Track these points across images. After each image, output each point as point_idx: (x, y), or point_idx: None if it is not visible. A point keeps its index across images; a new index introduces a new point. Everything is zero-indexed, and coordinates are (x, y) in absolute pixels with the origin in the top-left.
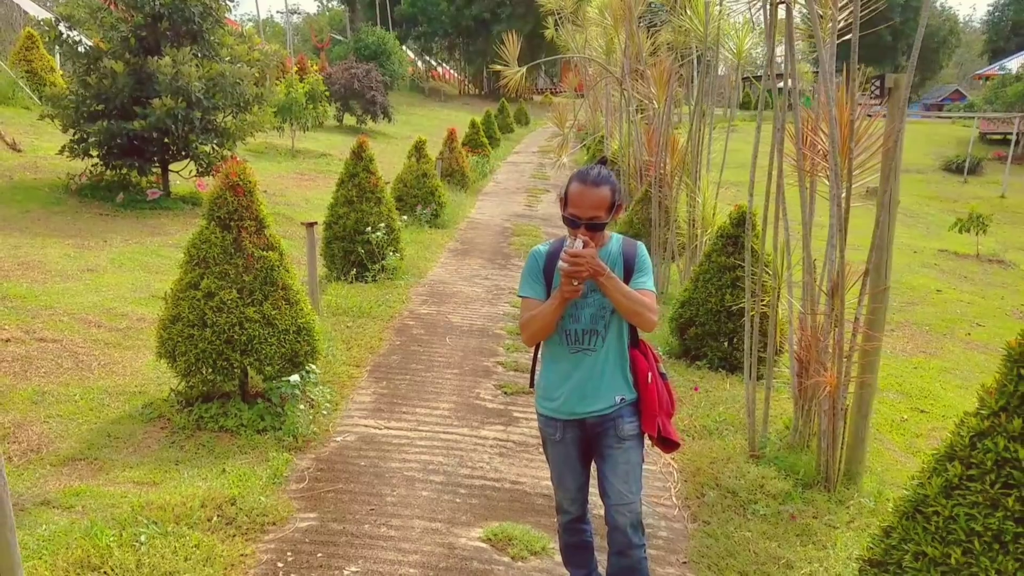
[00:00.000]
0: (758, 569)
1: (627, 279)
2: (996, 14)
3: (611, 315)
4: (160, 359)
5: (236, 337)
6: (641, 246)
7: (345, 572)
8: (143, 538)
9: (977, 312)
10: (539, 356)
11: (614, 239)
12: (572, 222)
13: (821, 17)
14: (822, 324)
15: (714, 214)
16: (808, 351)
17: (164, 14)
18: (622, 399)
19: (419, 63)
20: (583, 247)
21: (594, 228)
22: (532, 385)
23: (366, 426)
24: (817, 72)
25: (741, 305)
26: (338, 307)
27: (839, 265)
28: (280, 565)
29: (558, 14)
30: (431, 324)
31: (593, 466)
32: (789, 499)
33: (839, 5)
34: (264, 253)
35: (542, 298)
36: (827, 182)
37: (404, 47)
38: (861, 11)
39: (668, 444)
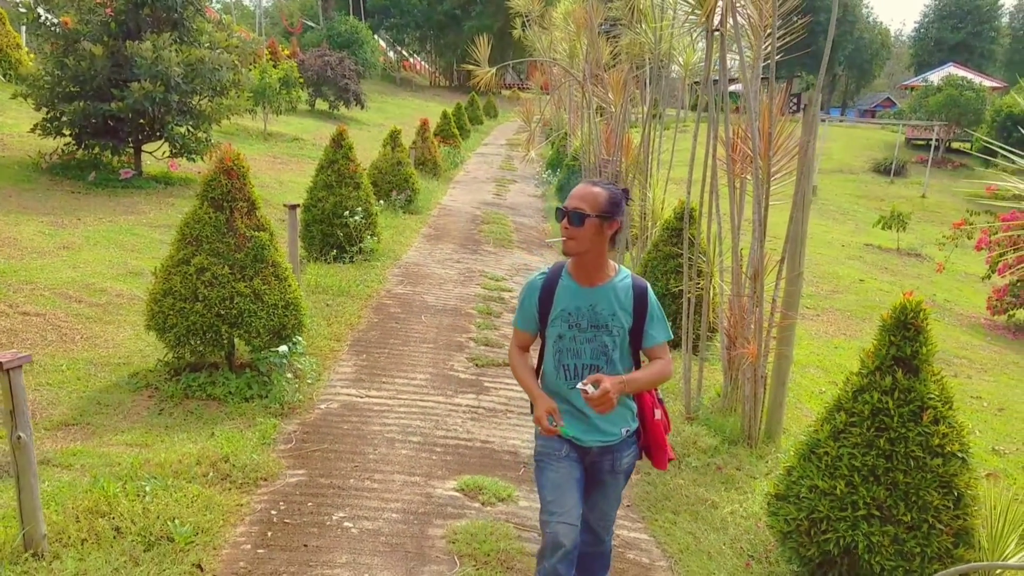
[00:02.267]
0: (688, 508)
1: (638, 321)
2: (922, 31)
3: (612, 351)
4: (149, 331)
5: (227, 310)
6: (650, 288)
7: (334, 517)
8: (148, 488)
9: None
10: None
11: (622, 272)
12: (558, 213)
13: (749, 47)
14: (746, 304)
15: (663, 208)
16: (735, 328)
17: (146, 1)
18: (627, 431)
19: (391, 53)
20: (594, 391)
21: (575, 220)
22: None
23: (348, 395)
24: (765, 79)
25: (681, 288)
26: (318, 285)
27: (759, 254)
28: (274, 513)
29: (526, 16)
30: (407, 303)
31: None
32: (717, 453)
33: (763, 36)
34: (255, 233)
35: (533, 332)
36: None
37: (376, 36)
38: (785, 42)
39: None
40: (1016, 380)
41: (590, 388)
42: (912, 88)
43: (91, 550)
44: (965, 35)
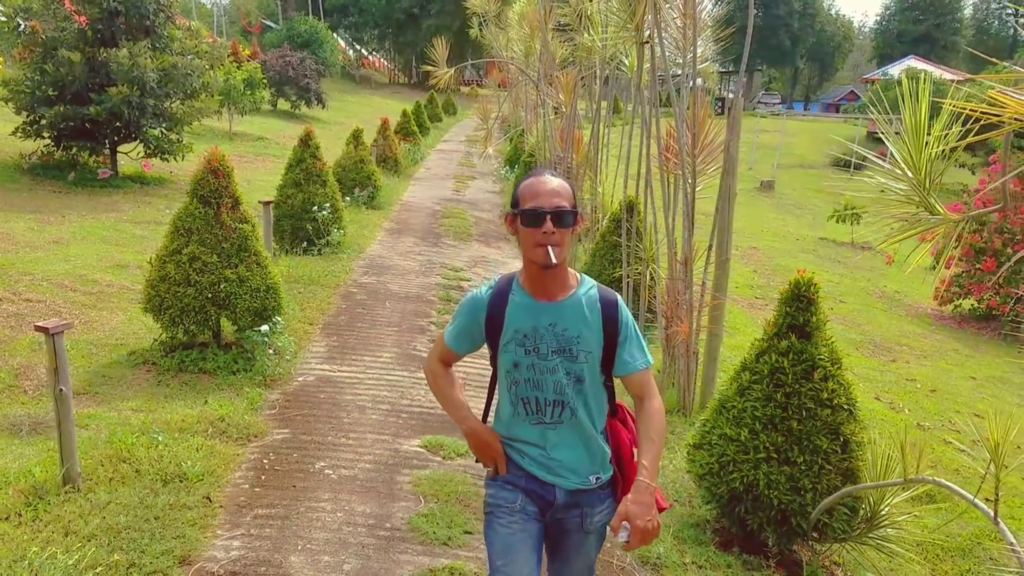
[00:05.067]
0: None
1: (610, 342)
2: (884, 23)
3: (581, 384)
4: (147, 312)
5: (215, 294)
6: (621, 300)
7: (316, 466)
8: (160, 439)
9: (843, 291)
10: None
11: (585, 281)
12: (534, 216)
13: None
14: (679, 287)
15: (611, 201)
16: (670, 309)
17: (121, 10)
18: (597, 478)
19: (350, 51)
20: (627, 537)
21: (562, 221)
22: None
23: (322, 369)
24: (723, 72)
25: (621, 274)
26: (290, 275)
27: (689, 242)
28: (265, 461)
29: (483, 16)
30: (373, 291)
31: None
32: None
33: (688, 47)
34: (239, 225)
35: (462, 354)
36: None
37: (335, 35)
38: (719, 47)
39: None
40: (952, 365)
41: (623, 536)
42: (873, 82)
43: (118, 486)
44: (927, 27)
